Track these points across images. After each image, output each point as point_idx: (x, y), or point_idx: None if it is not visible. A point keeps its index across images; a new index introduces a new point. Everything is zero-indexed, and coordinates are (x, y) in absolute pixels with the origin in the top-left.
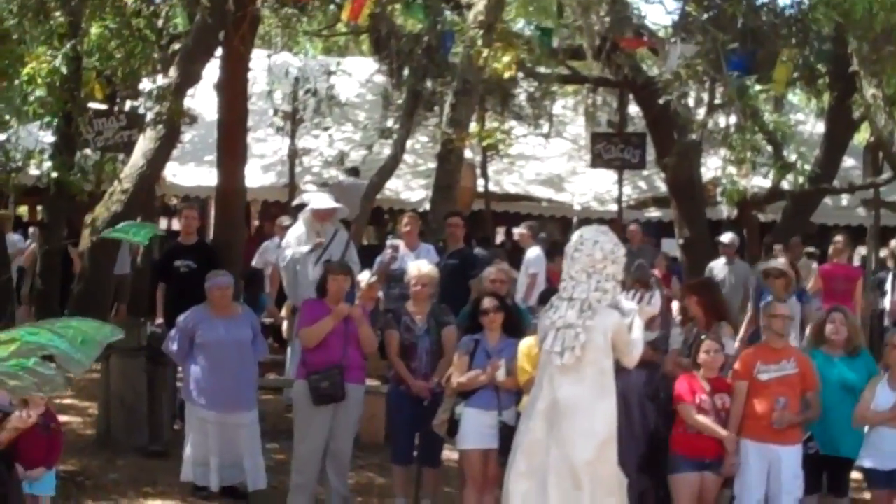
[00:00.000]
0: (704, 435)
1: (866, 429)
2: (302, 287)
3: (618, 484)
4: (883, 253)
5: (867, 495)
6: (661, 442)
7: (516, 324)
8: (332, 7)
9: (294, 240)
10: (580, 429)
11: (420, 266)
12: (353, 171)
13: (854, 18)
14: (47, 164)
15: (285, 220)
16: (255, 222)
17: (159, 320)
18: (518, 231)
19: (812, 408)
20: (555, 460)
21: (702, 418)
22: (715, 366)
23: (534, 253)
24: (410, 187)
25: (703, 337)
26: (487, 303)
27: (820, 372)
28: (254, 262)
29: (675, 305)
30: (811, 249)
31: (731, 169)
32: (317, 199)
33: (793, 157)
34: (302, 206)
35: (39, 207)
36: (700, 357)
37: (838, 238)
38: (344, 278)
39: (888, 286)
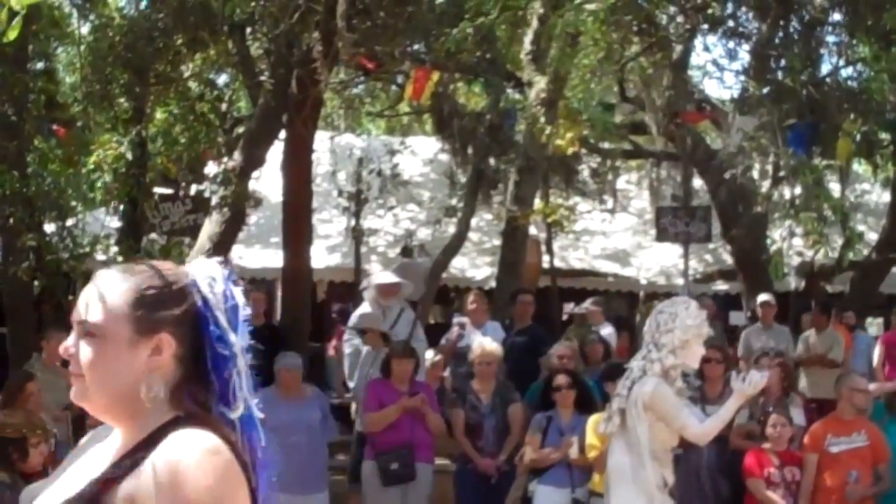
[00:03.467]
0: None
1: None
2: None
3: None
4: None
5: None
6: None
7: (588, 400)
8: (394, 87)
9: (357, 318)
10: (617, 496)
11: (484, 343)
12: (407, 252)
13: None
14: (114, 249)
15: None
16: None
17: None
18: (586, 307)
19: (884, 480)
20: None
21: (770, 494)
22: (783, 440)
23: (607, 330)
24: (476, 265)
25: (769, 410)
26: (561, 379)
27: (893, 442)
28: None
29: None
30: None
31: (798, 241)
32: (381, 276)
33: (860, 228)
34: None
35: None
36: (767, 431)
37: None
38: (408, 361)
39: None
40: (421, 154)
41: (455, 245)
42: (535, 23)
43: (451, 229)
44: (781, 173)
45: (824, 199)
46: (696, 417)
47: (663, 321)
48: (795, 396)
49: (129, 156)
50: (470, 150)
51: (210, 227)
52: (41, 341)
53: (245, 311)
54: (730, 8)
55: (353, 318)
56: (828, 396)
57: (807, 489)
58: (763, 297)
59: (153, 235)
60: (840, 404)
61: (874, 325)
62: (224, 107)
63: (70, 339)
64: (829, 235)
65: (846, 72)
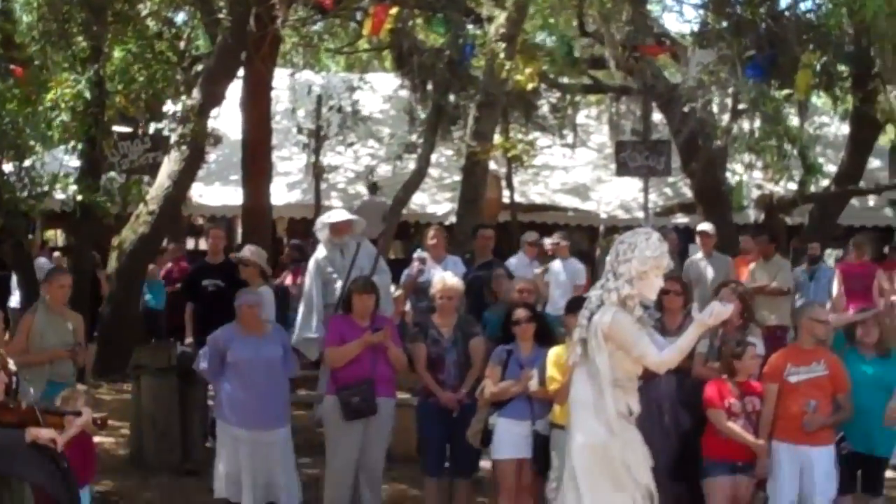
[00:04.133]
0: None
1: None
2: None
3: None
4: None
5: None
6: (694, 447)
7: (548, 333)
8: (353, 24)
9: (313, 264)
10: (578, 425)
11: (445, 278)
12: (373, 188)
13: (868, 22)
14: (73, 189)
15: None
16: (284, 241)
17: (189, 340)
18: (554, 242)
19: (843, 409)
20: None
21: (732, 425)
22: (755, 371)
23: (577, 264)
24: (436, 201)
25: (738, 341)
26: (519, 313)
27: (852, 372)
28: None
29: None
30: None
31: (757, 173)
32: (333, 214)
33: (819, 160)
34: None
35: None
36: (744, 363)
37: (856, 238)
38: (369, 296)
39: None
40: (380, 90)
41: (415, 181)
42: None
43: (411, 165)
44: (741, 106)
45: (783, 132)
46: (658, 345)
47: (622, 251)
48: (755, 327)
49: (88, 94)
50: (429, 86)
51: (169, 165)
52: (42, 283)
53: None
54: None
55: (311, 262)
56: (779, 323)
57: (767, 419)
58: (701, 226)
59: (112, 174)
60: (800, 334)
61: (832, 257)
62: (182, 45)
63: None
64: (789, 168)
65: (805, 4)
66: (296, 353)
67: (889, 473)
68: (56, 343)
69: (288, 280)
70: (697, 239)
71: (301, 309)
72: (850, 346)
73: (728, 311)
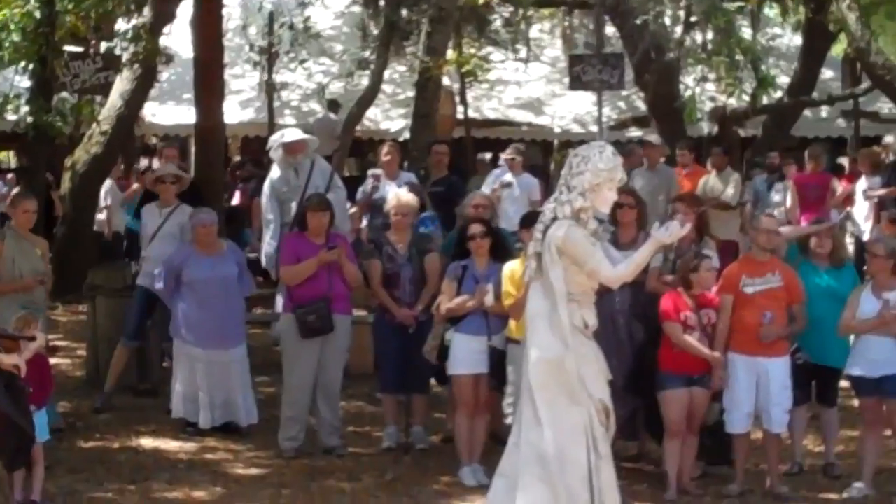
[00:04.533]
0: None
1: (852, 338)
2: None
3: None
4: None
5: (856, 403)
6: (649, 360)
7: (503, 248)
8: None
9: (268, 184)
10: (534, 340)
11: (399, 195)
12: (334, 105)
13: None
14: (24, 110)
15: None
16: (236, 158)
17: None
18: (508, 157)
19: (798, 320)
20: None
21: (687, 338)
22: (711, 284)
23: (532, 179)
24: (390, 117)
25: (695, 253)
26: (474, 228)
27: (806, 283)
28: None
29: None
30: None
31: (710, 86)
32: (286, 134)
33: (771, 72)
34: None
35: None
36: (700, 275)
37: (812, 148)
38: (323, 214)
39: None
40: (332, 6)
41: (368, 97)
42: None
43: (365, 82)
44: (693, 18)
45: (736, 44)
46: (613, 260)
47: (576, 164)
48: (709, 240)
49: (38, 14)
50: (381, 2)
51: (121, 84)
52: (8, 209)
53: None
54: None
55: (266, 183)
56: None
57: (722, 331)
58: (647, 137)
59: (64, 94)
60: (754, 245)
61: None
62: None
63: None
64: (742, 80)
65: None
66: (250, 271)
67: (843, 384)
68: (27, 269)
69: (237, 199)
70: (644, 151)
71: (263, 231)
72: (804, 258)
73: (685, 230)
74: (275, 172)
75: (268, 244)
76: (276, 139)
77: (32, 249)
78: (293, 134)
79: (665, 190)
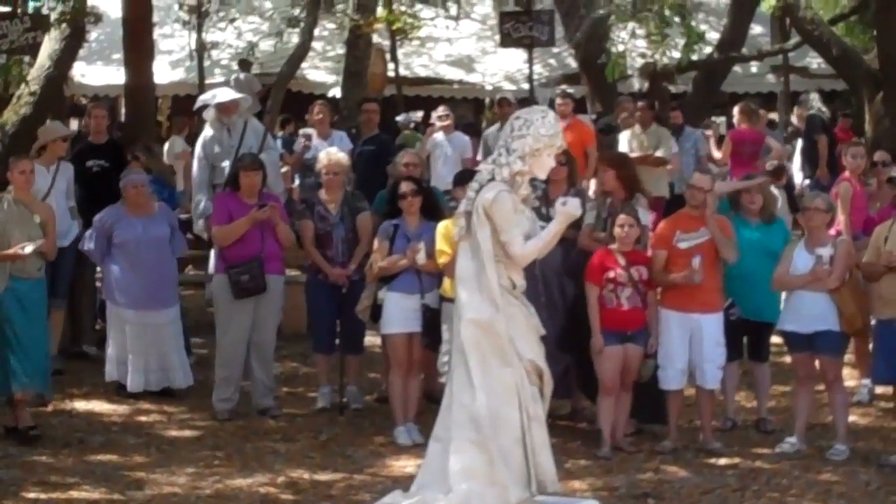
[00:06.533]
0: (625, 308)
1: (784, 294)
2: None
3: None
4: (793, 118)
5: (788, 359)
6: (582, 317)
7: (435, 207)
8: None
9: (200, 145)
10: (463, 300)
11: (330, 153)
12: (245, 64)
13: None
14: None
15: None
16: (165, 120)
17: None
18: (438, 115)
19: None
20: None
21: (592, 303)
22: (630, 240)
23: (463, 138)
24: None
25: (626, 210)
26: (405, 187)
27: (738, 238)
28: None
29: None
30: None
31: (640, 42)
32: (219, 94)
33: (701, 28)
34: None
35: None
36: (616, 231)
37: (743, 104)
38: (255, 173)
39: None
40: None
41: (299, 55)
42: None
43: (295, 40)
44: None
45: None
46: (536, 234)
47: (517, 126)
48: (641, 197)
49: None
50: None
51: (50, 44)
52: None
53: None
54: None
55: (198, 144)
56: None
57: (656, 284)
58: (558, 90)
59: None
60: (687, 202)
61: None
62: None
63: None
64: (671, 36)
65: None
66: (182, 231)
67: (774, 339)
68: (20, 238)
69: None
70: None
71: (193, 192)
72: (735, 213)
73: (579, 211)
74: (207, 132)
75: (199, 204)
76: (206, 99)
77: (30, 216)
78: (226, 94)
79: (656, 150)
